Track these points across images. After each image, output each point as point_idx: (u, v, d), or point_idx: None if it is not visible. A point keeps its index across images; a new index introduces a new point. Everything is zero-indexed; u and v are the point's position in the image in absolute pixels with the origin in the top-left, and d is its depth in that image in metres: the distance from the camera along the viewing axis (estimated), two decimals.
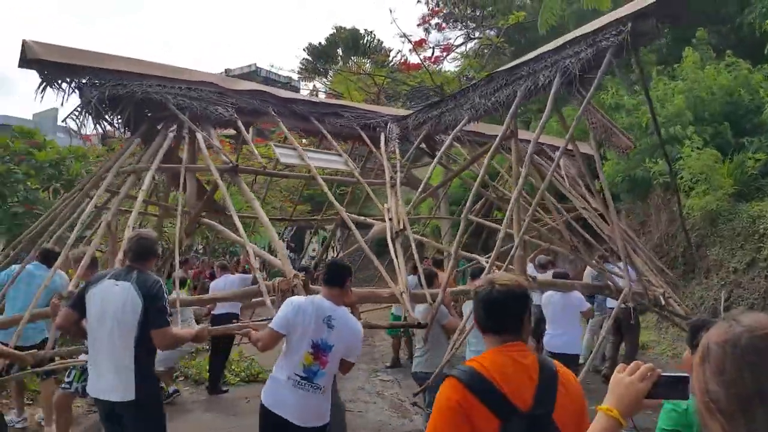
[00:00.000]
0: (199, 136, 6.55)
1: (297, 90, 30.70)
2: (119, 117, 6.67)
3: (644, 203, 12.46)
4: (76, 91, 6.37)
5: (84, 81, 6.35)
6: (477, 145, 8.74)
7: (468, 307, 6.02)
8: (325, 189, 6.85)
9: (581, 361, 7.43)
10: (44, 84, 6.27)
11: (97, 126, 6.67)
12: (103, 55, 6.84)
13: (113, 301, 3.54)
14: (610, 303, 8.22)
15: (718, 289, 9.71)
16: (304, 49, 32.69)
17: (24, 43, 6.10)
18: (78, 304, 3.67)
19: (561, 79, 5.91)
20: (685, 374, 1.50)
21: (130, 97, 6.46)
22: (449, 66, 22.68)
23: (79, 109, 6.41)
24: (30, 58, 6.09)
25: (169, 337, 3.62)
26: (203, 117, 6.86)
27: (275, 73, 29.04)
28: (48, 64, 6.23)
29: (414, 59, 20.69)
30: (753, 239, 9.43)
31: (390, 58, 26.14)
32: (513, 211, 6.07)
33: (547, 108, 6.03)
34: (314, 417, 3.71)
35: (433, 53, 20.66)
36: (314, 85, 28.56)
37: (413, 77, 19.82)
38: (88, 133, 8.73)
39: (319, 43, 32.75)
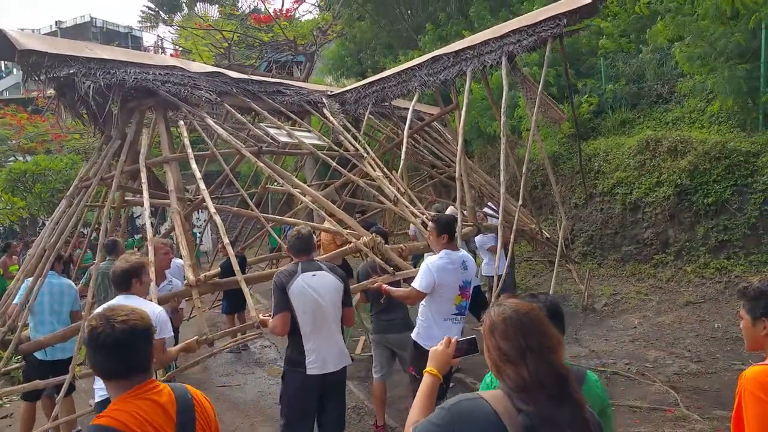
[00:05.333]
0: (210, 121, 6.71)
1: (139, 41, 28.46)
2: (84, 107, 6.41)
3: (493, 147, 13.40)
4: (54, 82, 6.09)
5: (71, 71, 6.02)
6: (400, 119, 10.04)
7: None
8: (333, 164, 7.58)
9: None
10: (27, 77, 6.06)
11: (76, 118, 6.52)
12: (67, 42, 6.71)
13: (322, 288, 4.04)
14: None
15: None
16: None
17: (7, 35, 5.63)
18: (287, 304, 3.97)
19: (508, 61, 7.39)
20: (473, 336, 2.34)
21: (120, 85, 6.27)
22: (306, 16, 22.34)
23: (58, 100, 6.26)
24: (21, 50, 5.71)
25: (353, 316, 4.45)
26: (190, 102, 6.85)
27: (115, 24, 26.86)
28: (35, 55, 5.85)
29: (264, 8, 20.11)
30: (590, 176, 10.63)
31: (239, 6, 25.07)
32: (461, 167, 7.69)
33: (504, 82, 7.35)
34: None
35: (283, 4, 20.21)
36: (158, 36, 26.79)
37: (265, 31, 19.32)
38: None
39: None
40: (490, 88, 8.89)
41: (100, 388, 3.88)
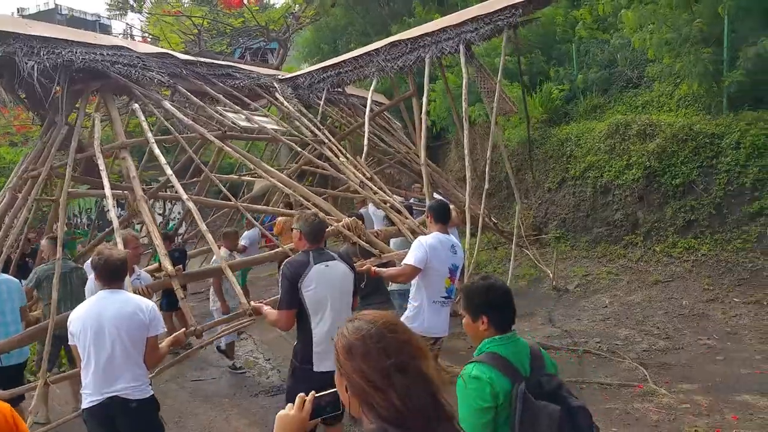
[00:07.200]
0: (166, 104, 6.43)
1: (108, 29, 27.97)
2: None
3: (470, 133, 13.41)
4: None
5: (9, 50, 5.62)
6: (344, 105, 10.07)
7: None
8: (297, 148, 7.56)
9: None
10: None
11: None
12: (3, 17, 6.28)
13: (335, 279, 3.86)
14: None
15: (537, 207, 10.97)
16: None
17: None
18: (296, 300, 3.76)
19: (466, 48, 7.49)
20: (334, 389, 1.71)
21: (67, 66, 5.85)
22: (279, 2, 22.09)
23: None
24: None
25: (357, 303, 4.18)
26: (142, 84, 6.55)
27: (81, 11, 26.07)
28: None
29: None
30: (562, 160, 10.77)
31: None
32: (424, 154, 8.04)
33: (464, 70, 7.57)
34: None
35: None
36: (127, 23, 26.20)
37: (235, 16, 19.08)
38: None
39: None
40: (446, 77, 9.12)
41: (88, 393, 3.61)
